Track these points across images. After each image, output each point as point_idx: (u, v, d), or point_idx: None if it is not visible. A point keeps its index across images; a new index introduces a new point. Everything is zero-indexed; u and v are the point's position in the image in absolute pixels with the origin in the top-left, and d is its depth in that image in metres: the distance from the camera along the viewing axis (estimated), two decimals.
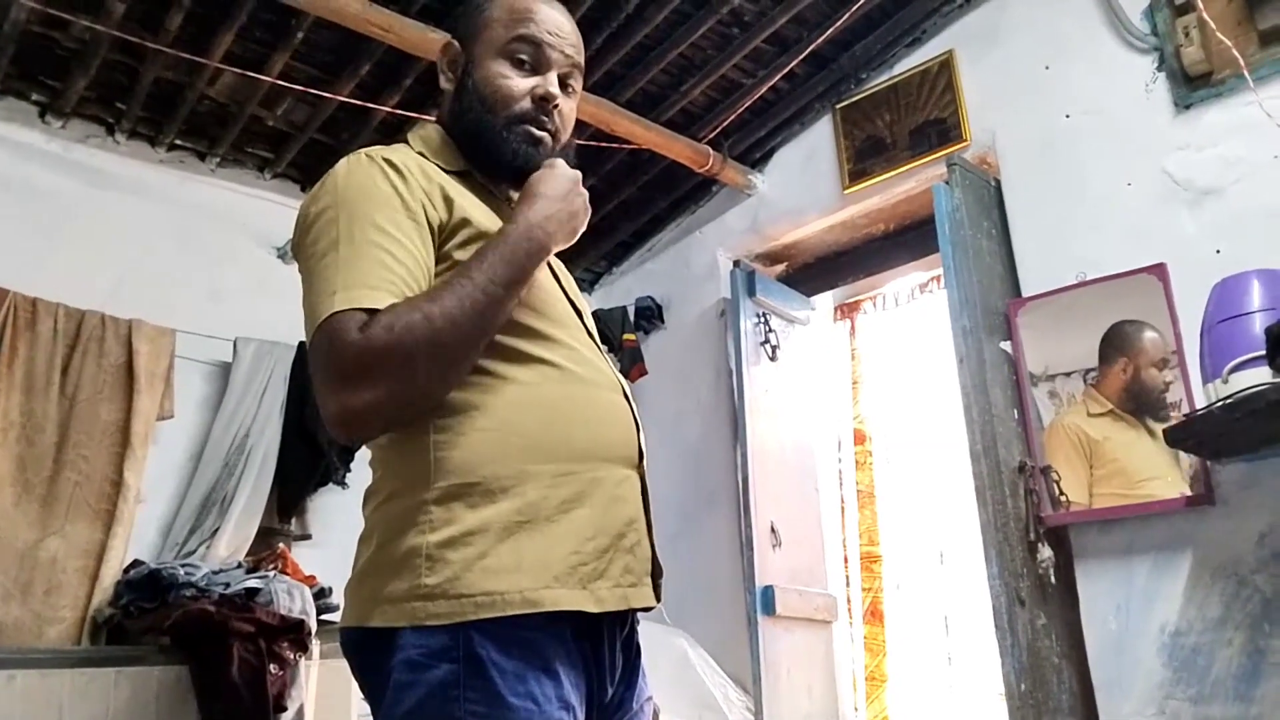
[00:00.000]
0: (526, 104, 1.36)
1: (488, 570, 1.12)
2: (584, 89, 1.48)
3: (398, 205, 1.21)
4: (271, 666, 2.66)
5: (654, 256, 4.60)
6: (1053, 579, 2.78)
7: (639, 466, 1.30)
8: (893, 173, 3.64)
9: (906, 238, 3.89)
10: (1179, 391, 2.70)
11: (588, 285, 4.77)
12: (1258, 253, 2.51)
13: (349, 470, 3.60)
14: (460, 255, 1.22)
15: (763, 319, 3.98)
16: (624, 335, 4.30)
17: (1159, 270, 2.78)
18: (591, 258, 4.64)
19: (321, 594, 3.08)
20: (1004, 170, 3.28)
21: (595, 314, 4.21)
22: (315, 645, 2.86)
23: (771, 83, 3.74)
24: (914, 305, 4.08)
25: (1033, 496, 2.85)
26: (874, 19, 3.63)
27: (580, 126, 3.21)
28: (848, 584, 4.01)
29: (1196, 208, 2.82)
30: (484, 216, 1.29)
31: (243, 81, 3.34)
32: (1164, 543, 2.66)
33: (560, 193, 1.30)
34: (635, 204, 4.40)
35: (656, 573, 1.28)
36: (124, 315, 3.30)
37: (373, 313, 1.11)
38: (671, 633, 3.67)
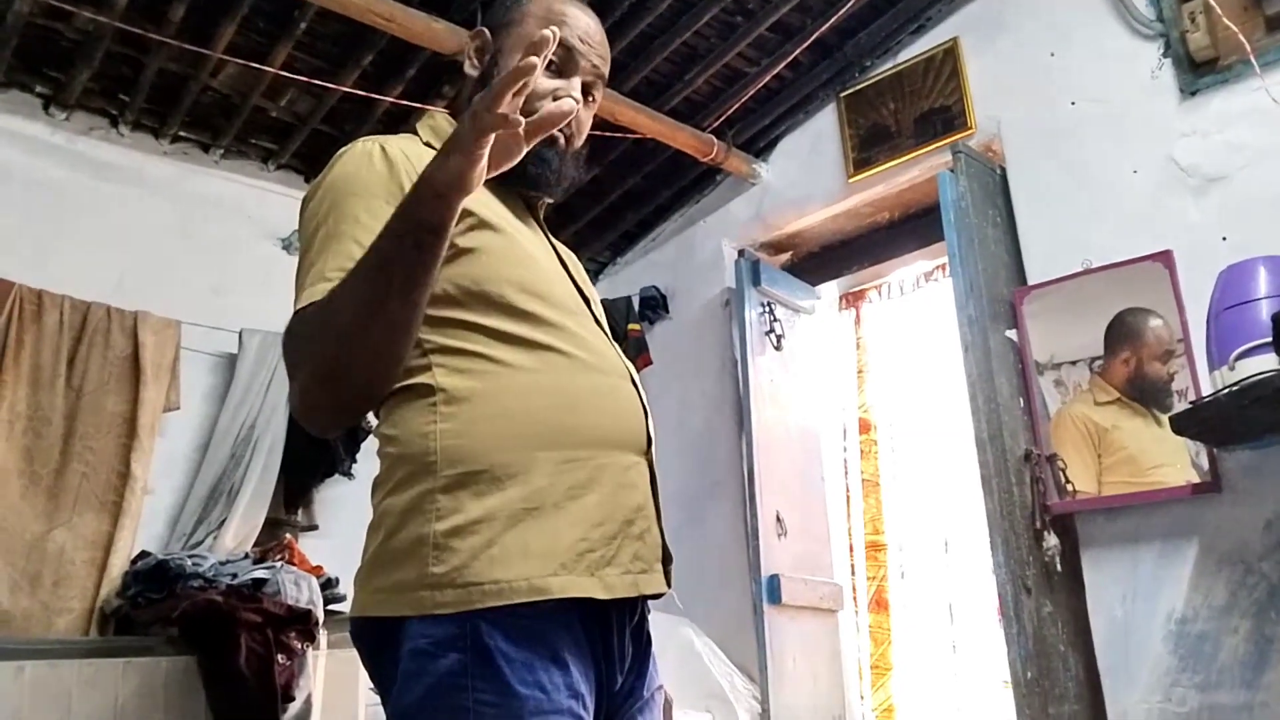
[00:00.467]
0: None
1: (495, 558, 1.11)
2: None
3: (379, 193, 1.21)
4: (279, 657, 2.66)
5: (658, 246, 4.59)
6: (1058, 567, 2.78)
7: (648, 453, 1.29)
8: (897, 161, 3.63)
9: (911, 226, 3.88)
10: (1185, 380, 2.70)
11: (592, 275, 4.75)
12: (1264, 239, 2.50)
13: (355, 461, 3.60)
14: (464, 242, 1.22)
15: (767, 308, 3.97)
16: (629, 325, 4.30)
17: (1165, 257, 2.78)
18: (596, 248, 4.63)
19: (328, 584, 3.09)
20: (1009, 158, 3.27)
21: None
22: (322, 635, 2.87)
23: (775, 71, 3.73)
24: (919, 294, 4.07)
25: (1039, 485, 2.84)
26: (878, 6, 3.62)
27: None
28: (853, 573, 4.01)
29: (1202, 195, 2.81)
30: (485, 203, 1.29)
31: (246, 73, 3.34)
32: (1170, 530, 2.66)
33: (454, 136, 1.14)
34: (639, 194, 4.39)
35: (667, 559, 1.28)
36: (129, 307, 3.30)
37: None
38: (678, 621, 3.67)
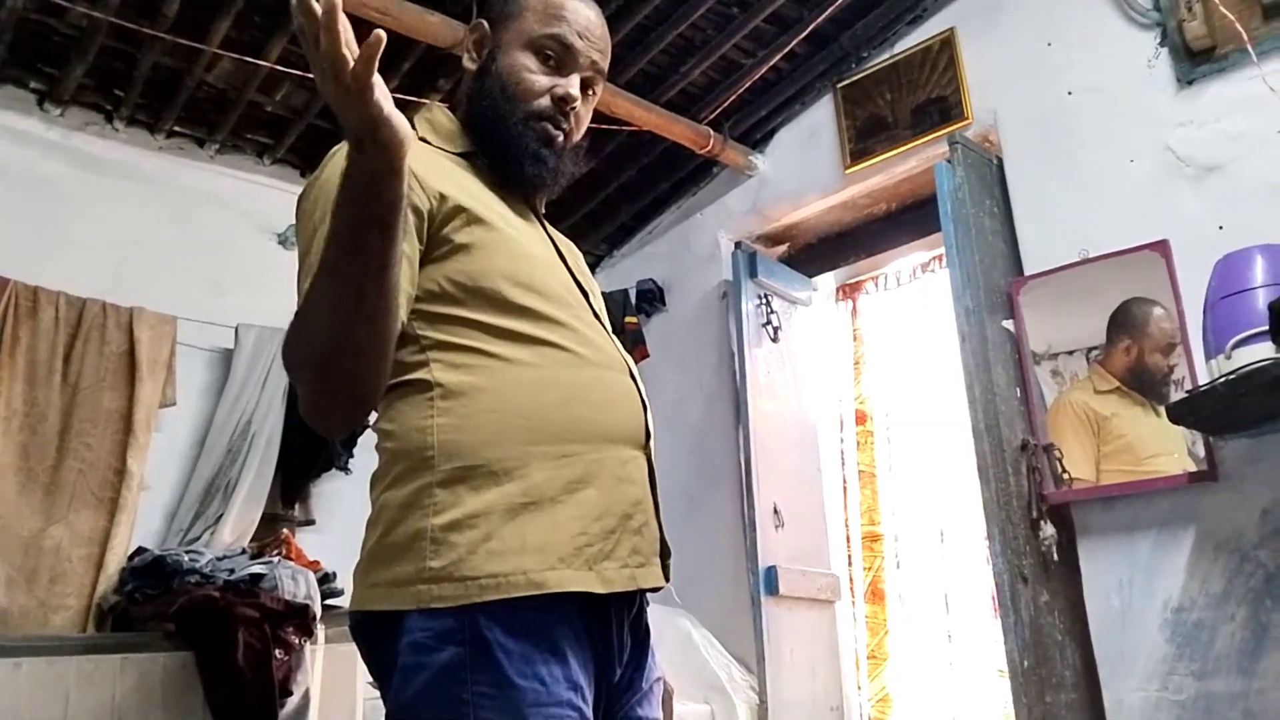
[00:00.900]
0: (545, 101, 1.36)
1: (492, 552, 1.12)
2: None
3: None
4: (276, 652, 2.67)
5: (655, 239, 4.59)
6: (1055, 556, 2.78)
7: (646, 447, 1.29)
8: (894, 152, 3.62)
9: (908, 217, 3.87)
10: (1182, 371, 2.70)
11: (589, 269, 4.74)
12: (1260, 228, 2.50)
13: (352, 456, 3.60)
14: (458, 238, 1.23)
15: (764, 300, 3.97)
16: (626, 318, 4.29)
17: (1161, 247, 2.77)
18: (592, 241, 4.63)
19: (326, 579, 3.09)
20: (1006, 148, 3.27)
21: None
22: (320, 630, 2.87)
23: (772, 62, 3.73)
24: (916, 285, 4.07)
25: (1035, 474, 2.85)
26: None
27: None
28: (850, 563, 4.02)
29: (1199, 184, 2.81)
30: (481, 199, 1.29)
31: (241, 67, 3.33)
32: (1167, 519, 2.67)
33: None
34: (636, 186, 4.39)
35: (665, 553, 1.29)
36: (125, 303, 3.30)
37: None
38: (675, 613, 3.68)
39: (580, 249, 1.56)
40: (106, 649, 2.60)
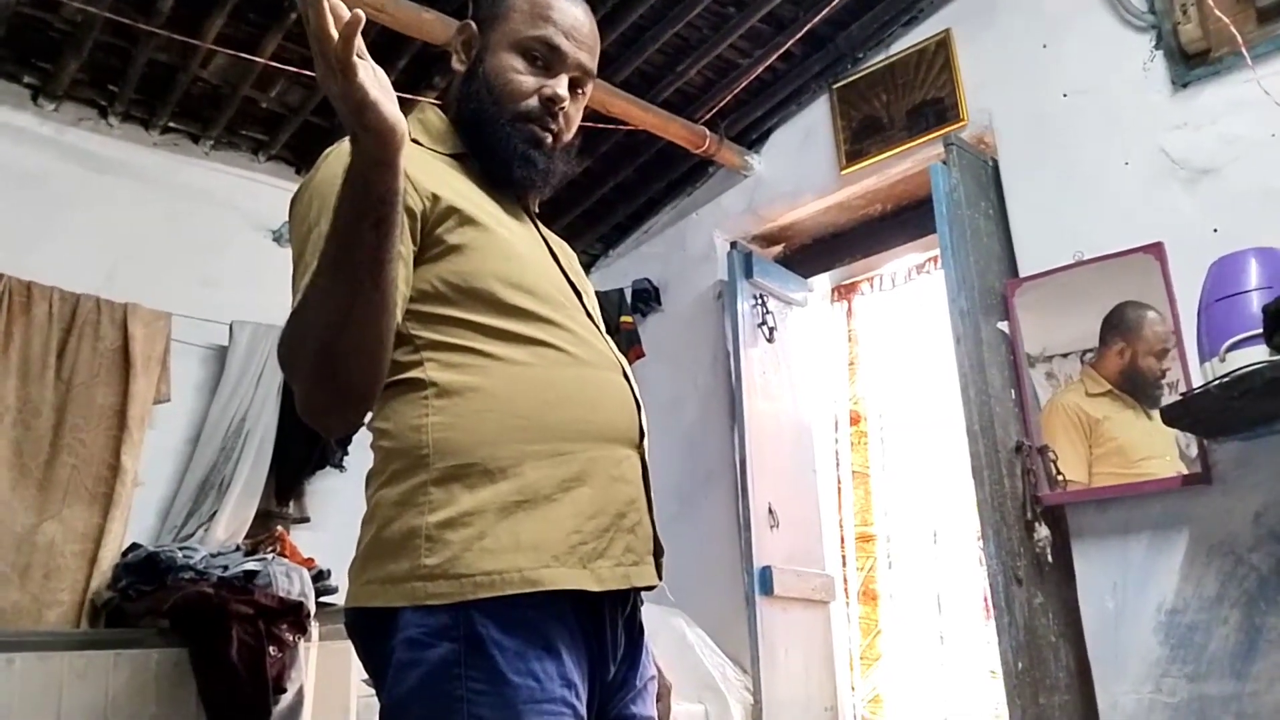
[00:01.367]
0: (534, 102, 1.36)
1: (486, 550, 1.12)
2: None
3: None
4: (270, 648, 2.66)
5: (650, 239, 4.59)
6: (1049, 558, 2.79)
7: (640, 446, 1.30)
8: (890, 153, 3.63)
9: (904, 218, 3.88)
10: (1177, 373, 2.71)
11: (584, 268, 4.72)
12: (1255, 231, 2.51)
13: (346, 453, 3.60)
14: (451, 239, 1.23)
15: (760, 300, 3.97)
16: (621, 318, 4.29)
17: (1156, 249, 2.78)
18: (587, 240, 4.63)
19: (320, 576, 3.09)
20: (1001, 150, 3.28)
21: None
22: (314, 627, 2.87)
23: (768, 63, 3.73)
24: (911, 286, 4.08)
25: (1030, 476, 2.85)
26: None
27: None
28: (844, 564, 4.03)
29: (1194, 186, 2.81)
30: (474, 199, 1.30)
31: (236, 63, 3.32)
32: (1161, 522, 2.67)
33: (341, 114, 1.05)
34: (631, 186, 4.39)
35: (658, 552, 1.29)
36: (119, 299, 3.29)
37: None
38: (670, 613, 3.68)
39: (575, 248, 1.57)
40: (100, 645, 2.60)
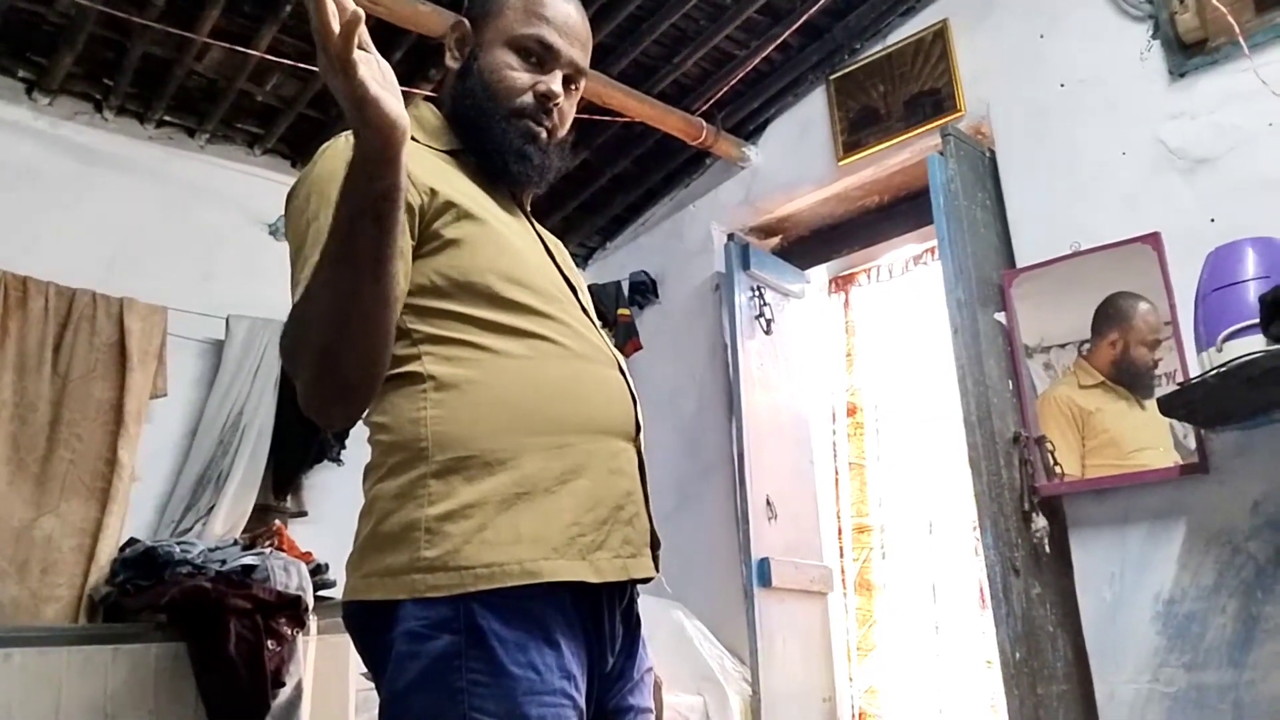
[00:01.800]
0: (528, 99, 1.37)
1: (487, 542, 1.13)
2: None
3: None
4: (269, 643, 2.66)
5: (648, 231, 4.59)
6: (1047, 548, 2.79)
7: (636, 440, 1.31)
8: (887, 144, 3.62)
9: (901, 209, 3.88)
10: (1172, 363, 2.71)
11: (581, 260, 4.75)
12: (1252, 221, 2.51)
13: (344, 447, 3.60)
14: (448, 233, 1.24)
15: (757, 292, 3.97)
16: (618, 310, 4.29)
17: (1153, 239, 2.78)
18: (585, 232, 4.62)
19: (318, 570, 3.09)
20: (998, 140, 3.27)
21: (589, 289, 4.18)
22: (313, 621, 2.87)
23: (765, 54, 3.72)
24: (908, 277, 4.08)
25: (1027, 467, 2.85)
26: None
27: None
28: (841, 555, 4.03)
29: (1191, 176, 2.81)
30: (471, 195, 1.30)
31: (231, 56, 3.31)
32: (1158, 511, 2.68)
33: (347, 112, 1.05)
34: (628, 178, 4.38)
35: (655, 544, 1.30)
36: (115, 293, 3.28)
37: None
38: (668, 604, 3.68)
39: (573, 240, 1.57)
40: (98, 640, 2.59)
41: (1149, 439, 2.71)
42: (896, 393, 4.05)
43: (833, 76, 3.82)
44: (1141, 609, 2.64)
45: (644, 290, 4.42)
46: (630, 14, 3.43)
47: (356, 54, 0.97)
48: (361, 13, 0.95)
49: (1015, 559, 2.72)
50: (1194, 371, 2.45)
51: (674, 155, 4.22)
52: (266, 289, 3.41)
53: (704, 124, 3.87)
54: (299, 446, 3.50)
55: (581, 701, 1.16)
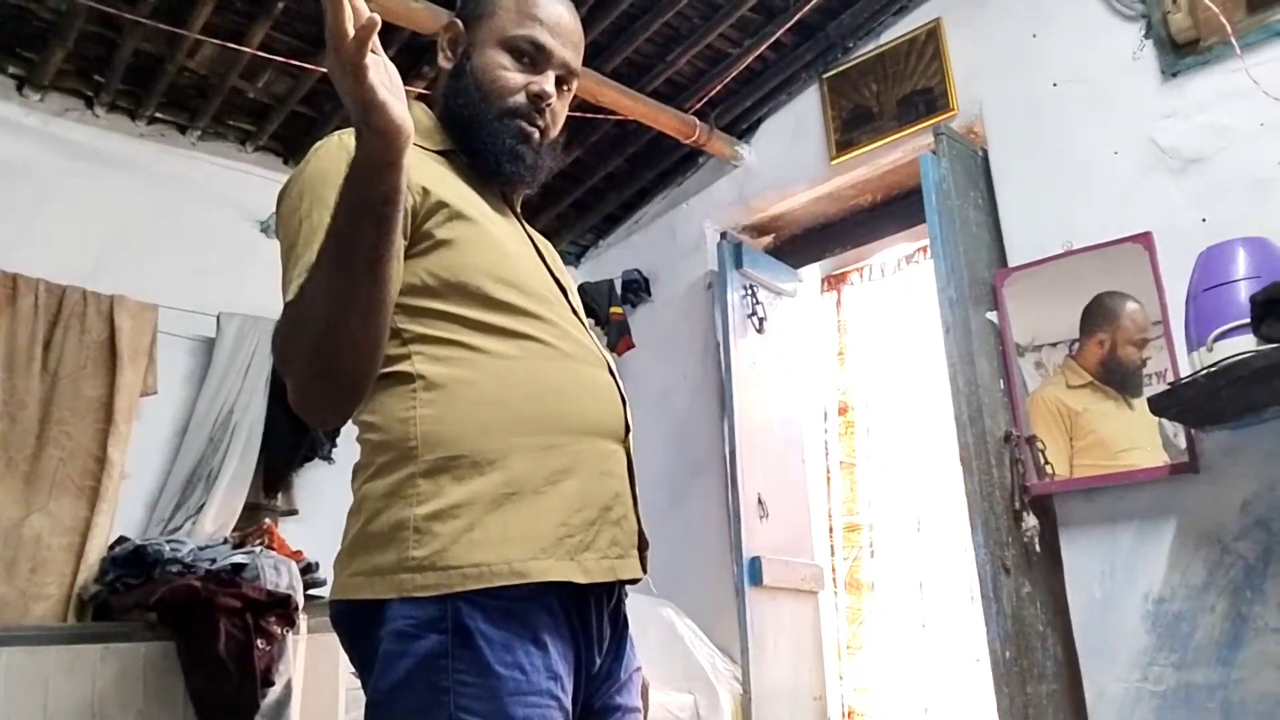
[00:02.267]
0: (521, 99, 1.37)
1: (475, 542, 1.13)
2: None
3: None
4: (258, 641, 2.66)
5: (641, 229, 4.58)
6: (1037, 547, 2.80)
7: (625, 441, 1.31)
8: (880, 143, 3.62)
9: (893, 208, 3.88)
10: (1162, 362, 2.71)
11: (574, 258, 4.75)
12: (1243, 221, 2.52)
13: (335, 445, 3.59)
14: (440, 233, 1.24)
15: (750, 291, 3.97)
16: (611, 308, 4.29)
17: (1145, 239, 2.78)
18: (578, 230, 4.62)
19: (308, 569, 3.08)
20: (991, 140, 3.27)
21: (582, 287, 4.20)
22: (302, 620, 2.86)
23: (758, 52, 3.72)
24: (901, 276, 4.08)
25: (1018, 466, 2.86)
26: None
27: None
28: (832, 554, 4.04)
29: (1183, 176, 2.81)
30: (463, 195, 1.30)
31: (223, 53, 3.30)
32: (1148, 511, 2.68)
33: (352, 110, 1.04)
34: (621, 176, 4.38)
35: (643, 545, 1.30)
36: (106, 291, 3.27)
37: None
38: (659, 603, 3.68)
39: (566, 238, 1.57)
40: (87, 638, 2.59)
41: (1137, 439, 2.72)
42: (888, 392, 4.06)
43: (826, 75, 3.82)
44: (1131, 608, 2.65)
45: (636, 288, 4.42)
46: (623, 12, 3.42)
47: (368, 57, 0.96)
48: (378, 18, 0.96)
49: (1006, 558, 2.73)
50: (1184, 371, 2.45)
51: (667, 154, 4.22)
52: (258, 286, 3.40)
53: (697, 122, 3.87)
54: (289, 445, 3.50)
55: (568, 702, 1.16)
